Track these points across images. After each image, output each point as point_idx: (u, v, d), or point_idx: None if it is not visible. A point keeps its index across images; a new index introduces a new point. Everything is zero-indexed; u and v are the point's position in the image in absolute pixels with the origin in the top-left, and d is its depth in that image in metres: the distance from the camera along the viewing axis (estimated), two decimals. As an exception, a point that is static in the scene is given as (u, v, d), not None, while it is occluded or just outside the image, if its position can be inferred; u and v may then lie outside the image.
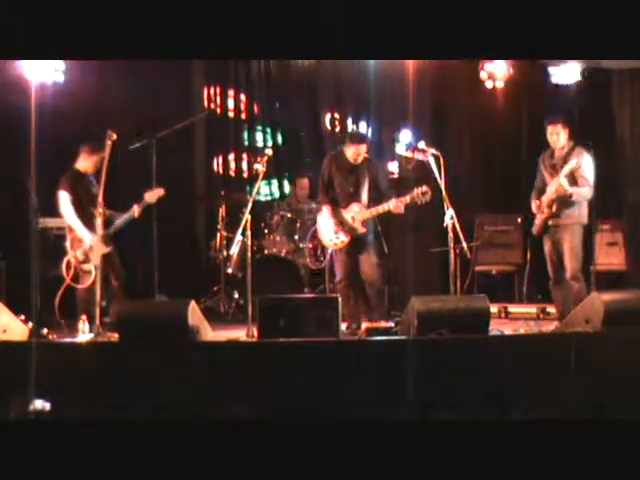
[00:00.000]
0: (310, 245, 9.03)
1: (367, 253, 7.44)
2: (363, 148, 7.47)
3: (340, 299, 7.29)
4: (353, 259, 7.50)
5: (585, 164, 7.26)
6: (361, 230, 7.42)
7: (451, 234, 7.05)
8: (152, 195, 7.49)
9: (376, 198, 7.47)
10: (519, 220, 9.30)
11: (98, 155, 7.41)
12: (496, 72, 9.36)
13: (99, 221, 7.09)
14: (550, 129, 7.37)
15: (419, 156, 7.47)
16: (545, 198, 7.33)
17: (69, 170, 7.53)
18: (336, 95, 10.09)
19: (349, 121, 10.07)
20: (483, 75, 9.38)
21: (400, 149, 8.61)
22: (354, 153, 7.45)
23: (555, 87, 9.41)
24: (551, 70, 9.41)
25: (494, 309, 7.58)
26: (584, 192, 7.27)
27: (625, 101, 9.17)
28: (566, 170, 7.17)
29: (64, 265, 7.35)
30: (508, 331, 6.99)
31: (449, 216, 7.04)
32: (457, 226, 7.05)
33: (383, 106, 9.83)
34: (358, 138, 7.61)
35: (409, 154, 7.93)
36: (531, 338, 6.77)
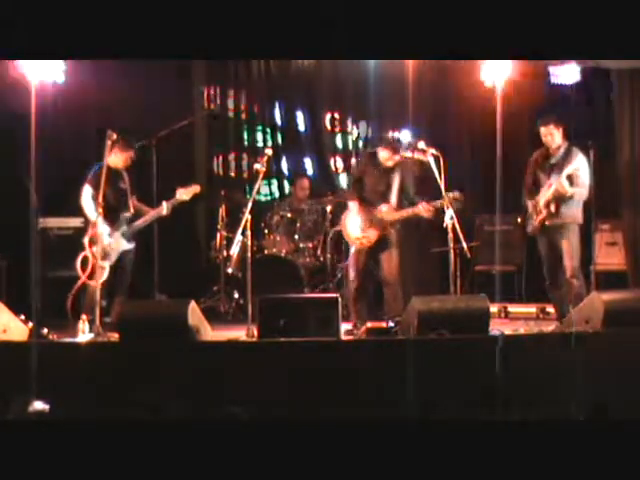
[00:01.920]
0: (310, 245, 9.03)
1: (390, 253, 7.48)
2: (397, 157, 7.49)
3: (351, 298, 7.51)
4: (371, 260, 7.55)
5: (582, 165, 7.27)
6: (388, 231, 7.46)
7: (451, 234, 7.05)
8: (186, 192, 7.47)
9: (403, 201, 7.52)
10: (519, 220, 9.28)
11: (130, 151, 7.44)
12: (497, 72, 9.34)
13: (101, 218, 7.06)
14: (543, 130, 7.39)
15: (419, 156, 7.47)
16: (543, 198, 7.33)
17: (99, 166, 7.30)
18: (336, 95, 10.10)
19: (349, 121, 10.08)
20: (483, 75, 9.37)
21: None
22: (385, 159, 7.50)
23: (555, 87, 9.41)
24: (551, 70, 9.41)
25: (494, 309, 7.58)
26: (583, 192, 7.30)
27: (625, 101, 9.16)
28: (569, 171, 7.18)
29: (79, 261, 7.19)
30: (508, 331, 6.99)
31: (449, 216, 7.04)
32: (457, 226, 7.05)
33: (383, 106, 9.83)
34: (394, 146, 7.57)
35: (409, 154, 7.92)
36: (531, 338, 6.77)
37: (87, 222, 7.43)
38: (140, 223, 7.46)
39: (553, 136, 7.35)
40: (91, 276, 7.12)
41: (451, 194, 7.13)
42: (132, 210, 7.50)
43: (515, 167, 9.68)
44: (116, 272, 7.35)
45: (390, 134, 7.83)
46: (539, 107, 9.24)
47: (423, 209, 7.28)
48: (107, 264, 7.25)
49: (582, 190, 7.29)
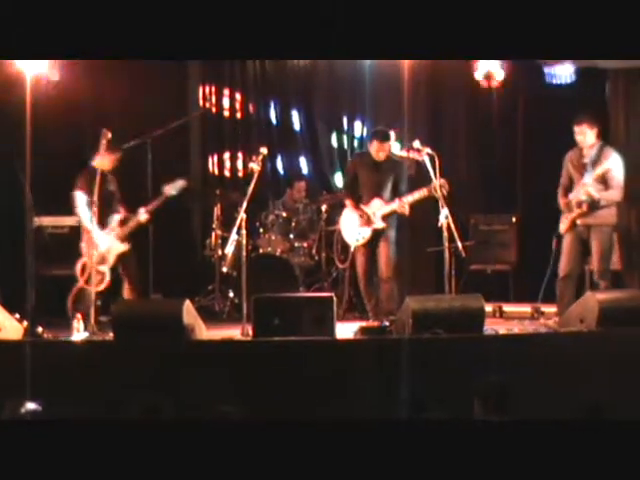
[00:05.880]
0: (305, 244, 9.02)
1: (385, 249, 7.47)
2: (386, 146, 7.50)
3: (364, 296, 7.63)
4: (371, 258, 7.57)
5: (615, 165, 7.23)
6: (380, 225, 7.45)
7: (446, 233, 7.06)
8: (172, 187, 7.35)
9: (394, 197, 7.52)
10: (514, 219, 9.31)
11: (116, 152, 7.31)
12: (492, 72, 9.35)
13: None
14: (576, 129, 7.32)
15: (414, 155, 7.48)
16: (575, 197, 7.31)
17: (85, 168, 7.32)
18: (332, 94, 10.09)
19: (344, 120, 10.07)
20: (479, 75, 9.38)
21: (395, 149, 8.61)
22: (376, 150, 7.48)
23: (552, 87, 9.42)
24: (548, 70, 9.42)
25: (489, 308, 7.59)
26: (612, 195, 7.26)
27: (622, 101, 9.18)
28: (594, 175, 7.15)
29: (79, 267, 7.20)
30: (502, 330, 7.00)
31: (444, 215, 7.05)
32: (452, 225, 7.06)
33: (379, 106, 9.83)
34: (381, 135, 7.57)
35: (404, 154, 7.93)
36: (525, 337, 6.78)
37: (81, 226, 7.37)
38: (130, 226, 7.36)
39: (585, 135, 7.29)
40: (88, 280, 7.08)
41: (437, 181, 7.12)
42: (122, 212, 7.43)
43: (510, 167, 9.74)
44: (118, 274, 7.30)
45: (378, 127, 7.87)
46: (536, 107, 9.28)
47: (398, 205, 7.34)
48: (106, 268, 7.22)
49: (613, 193, 7.25)
